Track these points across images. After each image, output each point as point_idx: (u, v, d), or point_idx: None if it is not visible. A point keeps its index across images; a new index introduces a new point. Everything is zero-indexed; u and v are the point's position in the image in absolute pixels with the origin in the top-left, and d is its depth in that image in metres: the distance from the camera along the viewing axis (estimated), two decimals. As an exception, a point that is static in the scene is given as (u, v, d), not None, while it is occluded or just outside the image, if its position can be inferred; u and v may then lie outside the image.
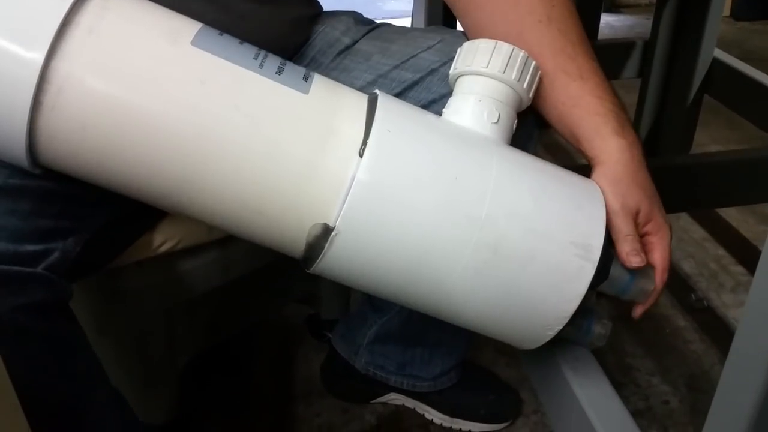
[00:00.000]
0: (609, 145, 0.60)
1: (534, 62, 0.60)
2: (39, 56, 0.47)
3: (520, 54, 0.59)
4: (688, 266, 1.33)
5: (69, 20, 0.49)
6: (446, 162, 0.55)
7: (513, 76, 0.59)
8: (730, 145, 1.71)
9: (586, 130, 0.62)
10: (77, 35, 0.49)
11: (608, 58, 1.52)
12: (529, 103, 0.62)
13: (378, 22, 0.80)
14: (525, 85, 0.60)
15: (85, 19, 0.49)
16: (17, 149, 0.50)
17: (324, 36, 0.76)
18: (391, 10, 2.51)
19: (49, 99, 0.49)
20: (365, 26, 0.77)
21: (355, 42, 0.76)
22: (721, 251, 1.37)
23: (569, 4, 0.66)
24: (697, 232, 1.41)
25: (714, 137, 1.73)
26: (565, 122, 0.63)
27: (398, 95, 0.71)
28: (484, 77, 0.59)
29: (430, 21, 1.37)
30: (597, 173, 0.61)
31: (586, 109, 0.62)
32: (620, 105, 0.63)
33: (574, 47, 0.63)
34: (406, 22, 1.60)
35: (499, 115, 0.59)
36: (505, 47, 0.59)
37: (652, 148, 1.52)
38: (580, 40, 0.64)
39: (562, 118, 0.63)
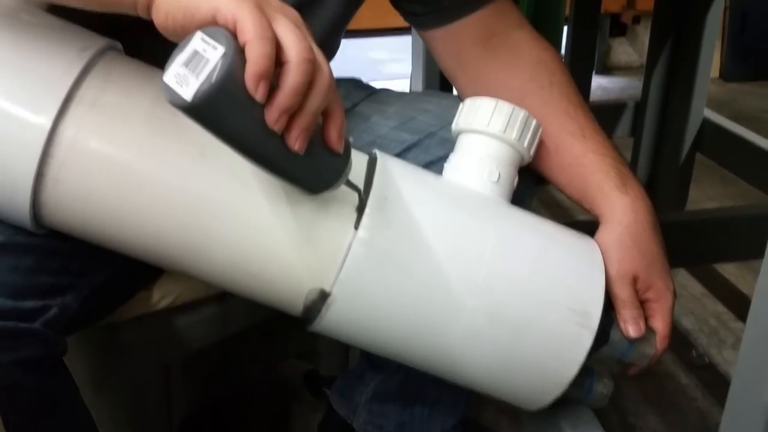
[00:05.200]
0: (612, 203, 0.61)
1: (535, 121, 0.61)
2: (41, 132, 0.49)
3: (521, 113, 0.60)
4: (688, 322, 1.32)
5: (72, 95, 0.50)
6: (444, 226, 0.56)
7: (514, 136, 0.60)
8: (725, 202, 1.73)
9: (590, 188, 0.63)
10: (80, 109, 0.50)
11: (601, 118, 1.53)
12: (530, 161, 0.63)
13: (377, 86, 0.82)
14: (526, 144, 0.61)
15: (88, 93, 0.50)
16: (21, 214, 0.51)
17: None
18: (391, 72, 2.58)
19: (52, 171, 0.50)
20: (364, 91, 0.79)
21: (355, 105, 0.77)
22: (721, 307, 1.37)
23: (566, 70, 0.69)
24: (696, 288, 1.41)
25: (708, 194, 1.75)
26: (570, 181, 0.64)
27: (397, 156, 0.72)
28: (485, 136, 0.61)
29: (428, 84, 1.41)
30: (600, 233, 0.62)
31: (589, 167, 0.63)
32: (622, 161, 0.64)
33: (575, 108, 0.65)
34: (405, 84, 1.64)
35: (500, 174, 0.60)
36: (506, 107, 0.60)
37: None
38: (580, 101, 0.67)
39: (566, 177, 0.65)
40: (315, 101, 0.42)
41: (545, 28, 1.64)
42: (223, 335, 0.81)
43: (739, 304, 1.36)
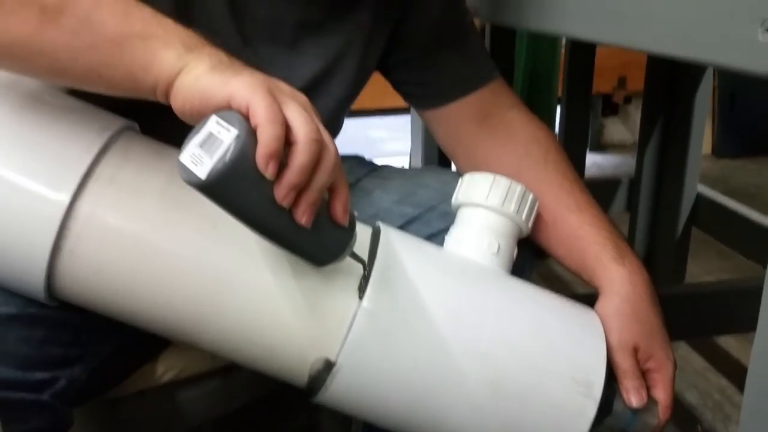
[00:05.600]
0: (610, 274, 0.63)
1: (532, 194, 0.64)
2: (60, 207, 0.51)
3: (518, 187, 0.63)
4: (691, 397, 1.31)
5: (91, 171, 0.52)
6: (446, 296, 0.57)
7: (512, 209, 0.62)
8: (723, 276, 1.74)
9: (588, 261, 0.65)
10: (98, 185, 0.52)
11: (597, 194, 1.57)
12: (529, 233, 0.65)
13: (378, 163, 0.86)
14: (524, 217, 0.63)
15: (107, 170, 0.53)
16: (35, 286, 0.53)
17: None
18: (390, 150, 2.64)
19: (68, 244, 0.52)
20: (367, 167, 0.83)
21: (358, 180, 0.80)
22: (724, 381, 1.36)
23: (560, 147, 0.73)
24: (698, 362, 1.40)
25: (706, 268, 1.77)
26: (568, 253, 0.66)
27: (399, 229, 0.74)
28: (484, 209, 0.63)
29: (427, 160, 1.45)
30: (599, 304, 0.63)
31: (586, 239, 0.65)
32: (618, 234, 0.66)
33: (570, 183, 0.68)
34: (404, 161, 1.68)
35: (499, 245, 0.62)
36: (503, 181, 0.63)
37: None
38: (575, 176, 0.69)
39: (565, 251, 0.67)
40: (321, 178, 0.44)
41: (538, 108, 1.70)
42: (227, 409, 0.81)
43: (741, 378, 1.35)
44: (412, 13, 0.72)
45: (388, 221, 0.75)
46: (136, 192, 0.53)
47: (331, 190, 0.48)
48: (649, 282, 0.64)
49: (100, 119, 0.56)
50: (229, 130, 0.42)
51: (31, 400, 0.54)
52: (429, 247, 0.63)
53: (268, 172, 0.42)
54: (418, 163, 1.45)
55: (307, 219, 0.45)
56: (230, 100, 0.43)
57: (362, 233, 0.59)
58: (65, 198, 0.51)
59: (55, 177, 0.51)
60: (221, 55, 0.46)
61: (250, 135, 0.42)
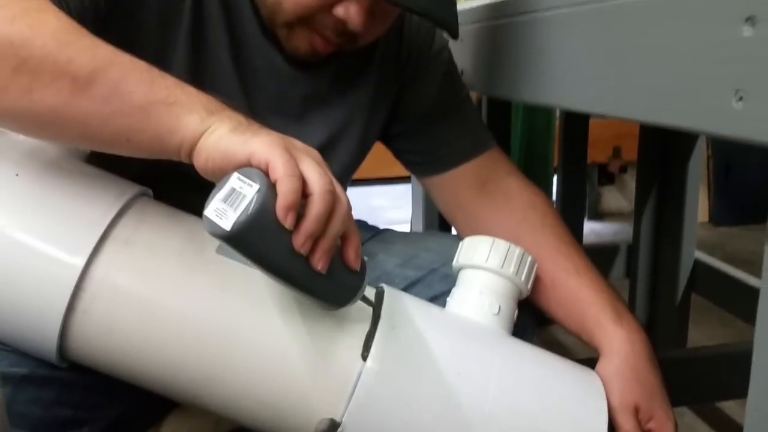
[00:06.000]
0: (609, 335, 0.65)
1: (530, 257, 0.66)
2: (76, 267, 0.53)
3: (517, 250, 0.65)
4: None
5: (108, 234, 0.55)
6: (449, 357, 0.58)
7: (511, 270, 0.64)
8: (726, 342, 1.74)
9: (587, 322, 0.66)
10: (114, 246, 0.55)
11: (596, 260, 1.59)
12: (528, 294, 0.67)
13: (381, 228, 0.88)
14: (523, 278, 0.65)
15: (123, 232, 0.55)
16: (47, 347, 0.54)
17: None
18: (391, 218, 2.67)
19: (82, 304, 0.53)
20: (370, 231, 0.85)
21: (362, 244, 0.82)
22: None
23: (556, 212, 0.76)
24: (702, 428, 1.39)
25: (708, 335, 1.76)
26: (568, 315, 0.68)
27: (403, 291, 0.76)
28: (484, 271, 0.65)
29: (428, 227, 1.47)
30: (600, 366, 0.64)
31: (585, 301, 0.67)
32: (616, 295, 0.68)
33: (567, 247, 0.70)
34: (406, 228, 1.71)
35: (500, 306, 0.63)
36: (502, 244, 0.65)
37: (648, 345, 1.54)
38: (571, 240, 0.72)
39: (564, 312, 0.69)
40: (335, 226, 0.47)
41: (535, 178, 1.72)
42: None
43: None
44: (412, 86, 0.77)
45: (391, 284, 0.77)
46: (149, 254, 0.55)
47: (343, 237, 0.51)
48: (648, 342, 0.65)
49: (116, 185, 0.58)
50: (251, 185, 0.45)
51: None
52: (432, 308, 0.64)
53: (288, 222, 0.45)
54: (419, 230, 1.48)
55: (323, 265, 0.48)
56: (250, 157, 0.46)
57: (367, 293, 0.61)
58: (81, 259, 0.53)
59: (72, 238, 0.54)
60: (240, 118, 0.50)
61: (270, 189, 0.45)
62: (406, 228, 1.72)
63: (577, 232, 1.72)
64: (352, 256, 0.50)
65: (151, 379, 0.56)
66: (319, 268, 0.48)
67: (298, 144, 0.50)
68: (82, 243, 0.53)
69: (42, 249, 0.53)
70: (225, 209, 0.45)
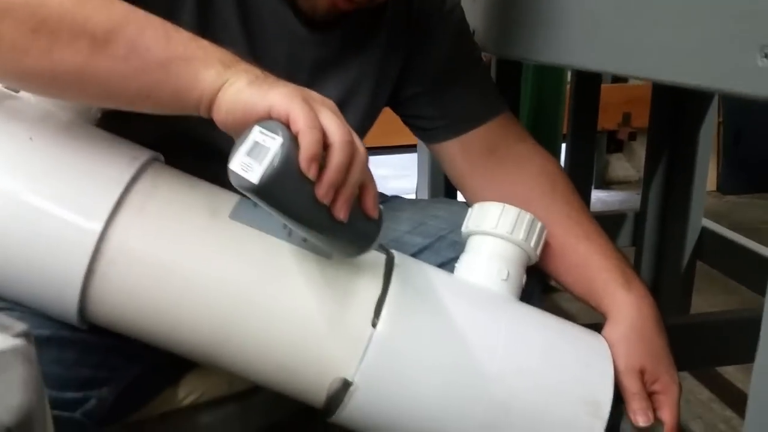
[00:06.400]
0: (617, 300, 0.66)
1: (540, 223, 0.67)
2: (94, 233, 0.54)
3: (527, 216, 0.66)
4: (697, 427, 1.32)
5: (122, 200, 0.56)
6: (458, 321, 0.60)
7: (521, 237, 0.65)
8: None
9: (596, 288, 0.67)
10: (129, 213, 0.56)
11: (602, 228, 1.61)
12: (537, 260, 0.68)
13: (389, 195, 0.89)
14: (532, 245, 0.66)
15: (136, 198, 0.56)
16: (69, 309, 0.56)
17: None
18: (395, 188, 2.68)
19: (101, 268, 0.55)
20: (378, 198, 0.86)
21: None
22: (729, 412, 1.37)
23: (567, 178, 0.76)
24: (703, 393, 1.41)
25: (711, 303, 1.78)
26: (576, 280, 0.69)
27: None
28: (494, 237, 0.66)
29: (433, 196, 1.48)
30: (606, 330, 0.66)
31: (594, 267, 0.68)
32: (625, 261, 0.69)
33: (578, 213, 0.71)
34: (411, 197, 1.71)
35: (509, 272, 0.65)
36: (512, 210, 0.66)
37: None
38: (582, 206, 0.72)
39: (573, 278, 0.70)
40: (355, 176, 0.49)
41: (543, 145, 1.73)
42: (243, 432, 0.83)
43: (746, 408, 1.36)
44: (421, 49, 0.76)
45: (400, 251, 0.78)
46: (164, 220, 0.57)
47: (361, 186, 0.52)
48: (655, 307, 0.66)
49: (130, 149, 0.59)
50: (274, 138, 0.47)
51: (65, 417, 0.56)
52: (441, 274, 0.65)
53: (311, 173, 0.46)
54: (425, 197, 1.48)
55: (345, 213, 0.49)
56: (270, 110, 0.47)
57: (377, 259, 0.62)
58: (99, 224, 0.54)
59: (89, 203, 0.55)
60: (256, 71, 0.50)
61: (292, 141, 0.47)
62: (411, 197, 1.72)
63: (585, 200, 1.72)
64: (370, 204, 0.52)
65: (169, 340, 0.58)
66: (341, 217, 0.49)
67: (315, 95, 0.50)
68: (99, 208, 0.54)
69: (59, 214, 0.54)
70: (250, 163, 0.47)
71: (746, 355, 1.14)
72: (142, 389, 0.70)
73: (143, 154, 0.59)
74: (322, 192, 0.47)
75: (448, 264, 0.76)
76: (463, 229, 0.69)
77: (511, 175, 0.76)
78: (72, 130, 0.59)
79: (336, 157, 0.47)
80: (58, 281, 0.55)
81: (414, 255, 0.77)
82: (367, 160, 0.50)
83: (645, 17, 0.55)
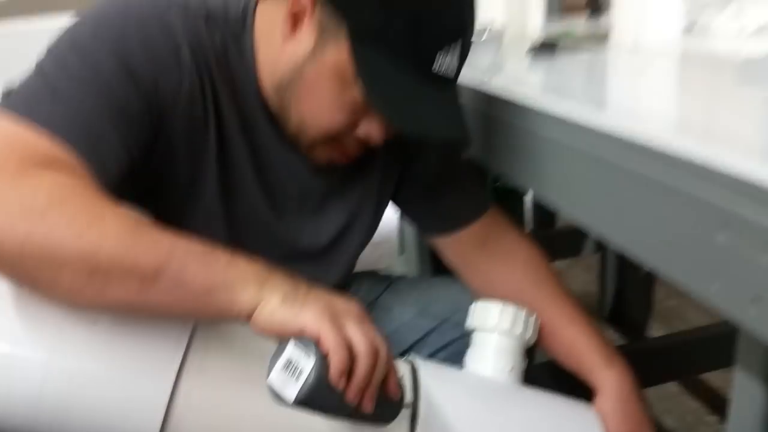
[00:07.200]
0: (602, 377, 0.77)
1: (533, 316, 0.78)
2: (162, 402, 0.59)
3: (522, 312, 0.77)
4: (669, 420, 1.47)
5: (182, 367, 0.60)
6: (478, 421, 0.70)
7: (519, 331, 0.76)
8: (691, 305, 1.88)
9: (583, 365, 0.79)
10: (189, 377, 0.60)
11: (568, 240, 1.75)
12: (532, 343, 0.79)
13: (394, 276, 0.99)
14: (528, 336, 0.77)
15: (194, 363, 0.60)
16: None
17: (352, 296, 0.92)
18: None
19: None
20: (383, 282, 0.96)
21: (377, 298, 0.93)
22: (695, 404, 1.53)
23: (549, 264, 0.87)
24: (673, 387, 1.57)
25: (673, 306, 1.91)
26: (567, 359, 0.81)
27: (419, 341, 0.88)
28: (497, 333, 0.76)
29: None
30: (597, 404, 0.77)
31: (580, 348, 0.79)
32: (606, 341, 0.81)
33: (562, 299, 0.82)
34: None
35: (513, 364, 0.75)
36: (510, 309, 0.77)
37: (618, 314, 1.71)
38: (564, 290, 0.84)
39: (563, 356, 0.81)
40: (378, 376, 0.57)
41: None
42: None
43: (711, 400, 1.52)
44: (415, 159, 0.84)
45: (409, 334, 0.89)
46: (221, 384, 0.63)
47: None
48: (635, 381, 0.78)
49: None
50: (307, 357, 0.54)
51: None
52: (457, 374, 0.76)
53: (341, 384, 0.54)
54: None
55: (371, 407, 0.57)
56: (303, 330, 0.54)
57: (403, 370, 0.71)
58: (165, 394, 0.59)
59: (153, 377, 0.60)
60: (287, 286, 0.56)
61: (323, 359, 0.54)
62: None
63: (551, 214, 1.85)
64: (393, 389, 0.59)
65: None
66: (368, 411, 0.56)
67: (341, 306, 0.57)
68: (163, 380, 0.60)
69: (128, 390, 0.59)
70: (286, 379, 0.54)
71: (707, 365, 1.28)
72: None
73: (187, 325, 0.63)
74: (351, 397, 0.54)
75: (452, 343, 0.87)
76: (467, 324, 0.79)
77: (502, 267, 0.86)
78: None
79: (362, 367, 0.54)
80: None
81: (422, 338, 0.88)
82: (390, 358, 0.58)
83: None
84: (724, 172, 0.46)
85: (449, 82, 0.68)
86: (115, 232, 0.53)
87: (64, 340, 0.58)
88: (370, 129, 0.69)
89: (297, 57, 0.68)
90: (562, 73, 0.90)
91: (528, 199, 1.73)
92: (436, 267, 1.45)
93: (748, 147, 0.51)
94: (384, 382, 0.58)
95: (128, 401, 0.60)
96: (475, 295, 0.87)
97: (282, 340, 0.56)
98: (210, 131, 0.69)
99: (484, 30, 1.05)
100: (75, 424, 0.59)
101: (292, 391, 0.54)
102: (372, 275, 0.98)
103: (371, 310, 0.92)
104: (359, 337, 0.55)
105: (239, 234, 0.74)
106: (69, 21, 0.65)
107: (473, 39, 0.70)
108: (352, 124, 0.69)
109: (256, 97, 0.71)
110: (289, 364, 0.55)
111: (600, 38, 1.03)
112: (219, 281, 0.55)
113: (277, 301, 0.55)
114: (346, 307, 0.58)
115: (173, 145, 0.67)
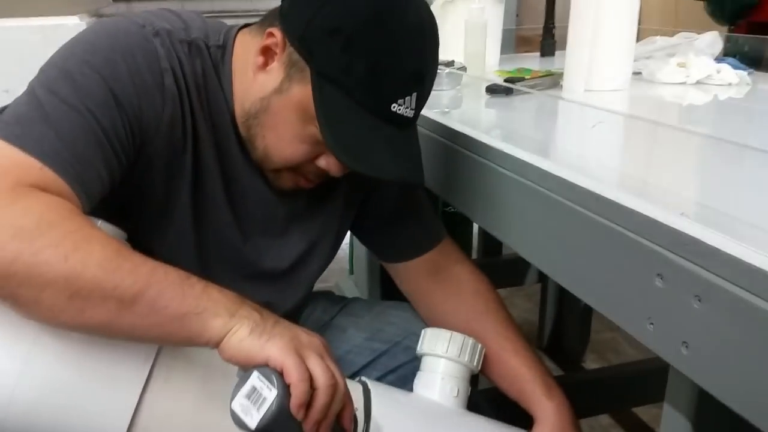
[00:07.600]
0: (542, 407, 0.82)
1: (480, 345, 0.82)
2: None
3: (470, 341, 0.81)
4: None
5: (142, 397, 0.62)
6: None
7: (467, 359, 0.80)
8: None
9: (524, 394, 0.83)
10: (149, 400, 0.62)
11: (513, 269, 1.81)
12: (478, 371, 0.83)
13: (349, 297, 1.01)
14: (474, 363, 0.81)
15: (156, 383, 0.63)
16: None
17: (308, 316, 0.96)
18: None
19: None
20: (338, 304, 0.99)
21: (332, 318, 0.96)
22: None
23: (497, 295, 0.91)
24: (605, 420, 1.63)
25: (609, 335, 1.99)
26: (509, 387, 0.85)
27: (371, 362, 0.91)
28: (445, 359, 0.80)
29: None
30: (535, 431, 0.81)
31: (522, 378, 0.84)
32: (547, 372, 0.85)
33: (507, 330, 0.87)
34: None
35: (458, 389, 0.79)
36: (458, 337, 0.80)
37: (556, 342, 1.77)
38: (510, 322, 0.88)
39: (506, 385, 0.85)
40: (335, 409, 0.60)
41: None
42: None
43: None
44: (375, 190, 0.89)
45: (361, 356, 0.92)
46: (185, 394, 0.65)
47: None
48: (572, 411, 0.83)
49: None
50: (270, 389, 0.57)
51: None
52: (405, 397, 0.79)
53: (300, 415, 0.57)
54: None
55: None
56: (268, 361, 0.57)
57: (355, 391, 0.74)
58: (131, 406, 0.62)
59: (123, 384, 0.62)
60: (256, 316, 0.59)
61: (285, 390, 0.57)
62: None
63: (497, 242, 1.91)
64: (347, 422, 0.62)
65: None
66: None
67: (305, 339, 0.61)
68: (129, 391, 0.62)
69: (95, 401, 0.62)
70: (248, 406, 0.57)
71: (638, 400, 1.35)
72: None
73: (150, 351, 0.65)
74: (308, 428, 0.58)
75: (402, 366, 0.90)
76: (418, 349, 0.83)
77: (452, 296, 0.90)
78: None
79: (320, 400, 0.58)
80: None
81: (374, 360, 0.91)
82: (346, 392, 0.61)
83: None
84: (662, 223, 0.51)
85: (409, 121, 0.71)
86: (99, 256, 0.56)
87: (39, 346, 0.60)
88: (329, 162, 0.73)
89: (266, 89, 0.71)
90: (514, 114, 0.96)
91: (476, 225, 1.79)
92: (386, 288, 1.50)
93: (685, 201, 0.57)
94: (339, 414, 0.61)
95: (95, 408, 0.62)
96: (425, 321, 0.91)
97: (247, 368, 0.59)
98: (187, 156, 0.72)
99: (448, 64, 1.10)
100: (41, 430, 0.61)
101: (253, 419, 0.57)
102: (327, 296, 1.01)
103: (325, 330, 0.95)
104: (320, 371, 0.59)
105: (208, 254, 0.77)
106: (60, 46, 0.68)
107: (436, 73, 0.74)
108: (314, 156, 0.73)
109: (230, 123, 0.74)
110: (252, 393, 0.58)
111: (554, 80, 1.08)
112: (192, 308, 0.57)
113: (245, 331, 0.58)
114: (310, 340, 0.61)
115: (152, 166, 0.70)
